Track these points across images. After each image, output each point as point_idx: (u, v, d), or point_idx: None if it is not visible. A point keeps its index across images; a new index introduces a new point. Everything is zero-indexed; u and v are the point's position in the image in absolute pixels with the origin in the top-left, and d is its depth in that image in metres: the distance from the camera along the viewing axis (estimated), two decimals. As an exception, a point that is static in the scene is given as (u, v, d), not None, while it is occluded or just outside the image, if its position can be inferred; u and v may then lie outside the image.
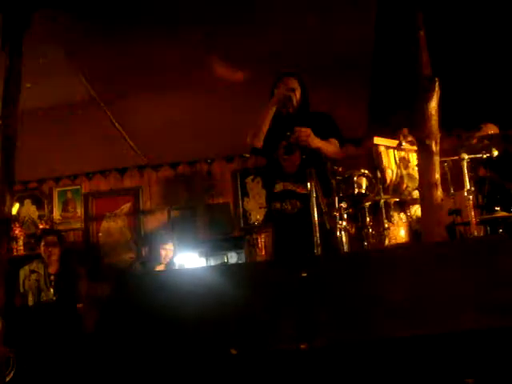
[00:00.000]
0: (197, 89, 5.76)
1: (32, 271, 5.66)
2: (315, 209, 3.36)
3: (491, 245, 2.56)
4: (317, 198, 3.41)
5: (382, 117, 6.19)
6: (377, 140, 5.89)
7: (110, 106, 6.02)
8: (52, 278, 5.66)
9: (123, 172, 7.73)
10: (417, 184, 5.17)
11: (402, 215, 4.78)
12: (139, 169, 7.72)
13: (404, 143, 5.55)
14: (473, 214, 4.52)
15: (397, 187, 5.41)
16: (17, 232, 7.17)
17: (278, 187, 4.00)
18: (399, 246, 4.55)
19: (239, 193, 7.45)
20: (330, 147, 3.89)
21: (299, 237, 3.73)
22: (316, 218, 3.34)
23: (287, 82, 4.01)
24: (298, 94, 3.95)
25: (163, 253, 5.94)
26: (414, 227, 4.78)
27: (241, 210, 7.41)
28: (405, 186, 5.35)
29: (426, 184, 3.71)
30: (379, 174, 4.99)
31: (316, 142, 3.75)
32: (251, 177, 7.41)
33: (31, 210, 7.71)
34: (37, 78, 4.89)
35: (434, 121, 3.72)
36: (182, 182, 7.61)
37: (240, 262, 6.67)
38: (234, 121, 6.03)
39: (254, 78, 5.41)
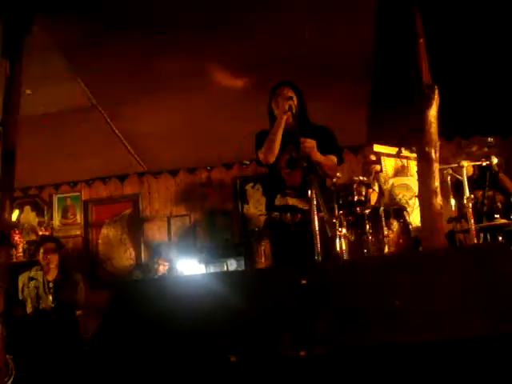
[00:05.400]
0: (197, 96, 5.77)
1: (31, 278, 5.65)
2: (316, 216, 3.37)
3: (491, 252, 2.56)
4: (318, 205, 3.41)
5: (382, 125, 6.21)
6: (376, 147, 5.91)
7: (110, 113, 6.03)
8: (51, 285, 5.64)
9: (123, 179, 7.74)
10: (412, 193, 5.19)
11: (402, 222, 4.78)
12: (139, 176, 7.72)
13: (403, 151, 5.58)
14: (472, 221, 4.53)
15: (392, 196, 5.43)
16: (16, 239, 7.16)
17: (279, 201, 4.01)
18: (399, 254, 4.54)
19: (239, 200, 7.45)
20: (328, 163, 3.90)
21: (298, 244, 3.74)
22: (317, 226, 3.35)
23: (283, 91, 4.00)
24: (295, 101, 3.94)
25: (157, 267, 5.96)
26: (413, 234, 4.79)
27: (241, 217, 7.40)
28: (401, 195, 5.37)
29: (425, 191, 3.71)
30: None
31: (318, 156, 3.76)
32: (251, 184, 7.41)
33: (31, 217, 7.71)
34: (37, 85, 4.90)
35: (434, 128, 3.73)
36: (182, 189, 7.62)
37: (240, 269, 6.66)
38: (233, 128, 6.07)
39: (253, 84, 5.42)
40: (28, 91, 4.22)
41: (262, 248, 6.16)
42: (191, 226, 7.45)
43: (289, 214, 3.93)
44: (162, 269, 5.98)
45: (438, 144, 3.75)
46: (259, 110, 4.21)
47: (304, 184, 3.80)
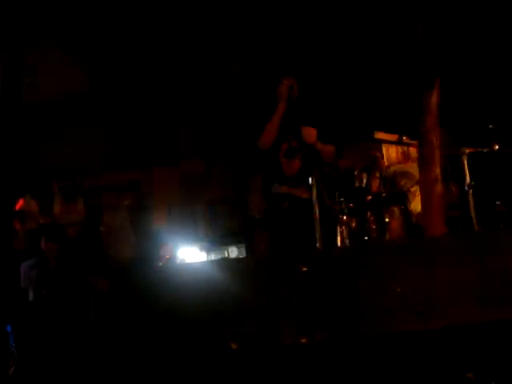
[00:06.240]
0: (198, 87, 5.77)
1: (33, 266, 5.65)
2: (316, 203, 3.38)
3: (492, 239, 2.56)
4: (318, 192, 3.42)
5: (383, 112, 6.19)
6: (378, 134, 5.91)
7: (112, 101, 6.01)
8: (53, 272, 5.65)
9: (125, 167, 7.72)
10: (414, 180, 5.17)
11: (403, 209, 4.78)
12: (141, 164, 7.70)
13: (405, 138, 5.57)
14: (473, 207, 4.52)
15: (394, 183, 5.42)
16: (17, 226, 7.15)
17: (277, 190, 4.03)
18: (400, 241, 4.55)
19: (240, 188, 7.44)
20: (327, 151, 3.94)
21: (298, 232, 3.75)
22: (317, 213, 3.36)
23: (285, 80, 4.03)
24: (296, 90, 3.97)
25: (159, 254, 5.96)
26: (414, 221, 4.79)
27: (242, 205, 7.40)
28: (403, 182, 5.36)
29: (426, 178, 3.70)
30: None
31: (318, 145, 3.81)
32: (252, 172, 7.40)
33: (32, 204, 7.70)
34: (37, 73, 4.89)
35: (435, 115, 3.71)
36: (184, 177, 7.62)
37: (241, 256, 6.67)
38: (234, 117, 6.06)
39: (255, 73, 5.41)
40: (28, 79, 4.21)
41: (263, 236, 6.17)
42: (192, 213, 7.46)
43: (287, 203, 3.96)
44: (164, 257, 5.98)
45: (439, 131, 3.74)
46: (260, 99, 4.22)
47: (301, 173, 3.83)
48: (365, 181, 4.88)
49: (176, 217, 7.46)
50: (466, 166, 4.67)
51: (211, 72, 5.52)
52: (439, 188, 3.63)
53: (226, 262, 4.17)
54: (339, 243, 4.46)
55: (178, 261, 6.12)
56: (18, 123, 4.10)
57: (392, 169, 5.63)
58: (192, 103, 6.15)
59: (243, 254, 6.69)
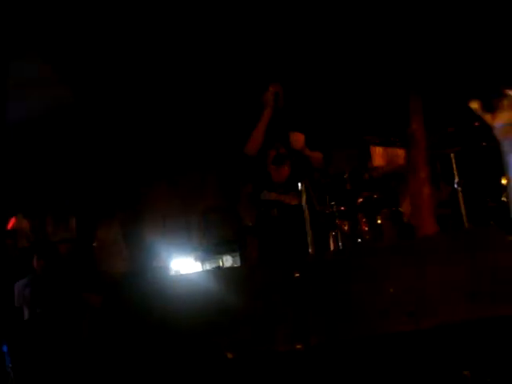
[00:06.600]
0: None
1: (26, 284, 5.63)
2: (307, 209, 3.39)
3: (482, 236, 2.57)
4: (308, 197, 3.44)
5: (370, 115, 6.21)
6: (366, 137, 5.91)
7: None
8: (46, 290, 5.63)
9: (118, 181, 7.69)
10: (404, 181, 5.19)
11: (394, 211, 4.78)
12: (134, 177, 7.68)
13: (393, 139, 5.57)
14: (463, 205, 4.54)
15: (384, 185, 5.42)
16: (9, 245, 7.11)
17: (266, 197, 4.05)
18: (392, 243, 4.55)
19: (233, 196, 7.43)
20: (315, 157, 3.97)
21: (289, 239, 3.77)
22: (308, 218, 3.37)
23: (271, 87, 4.06)
24: (281, 97, 4.00)
25: (153, 267, 5.95)
26: (406, 222, 4.79)
27: (235, 213, 7.39)
28: (393, 183, 5.37)
29: (415, 178, 3.72)
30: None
31: (306, 151, 3.84)
32: (243, 180, 7.40)
33: (24, 223, 7.66)
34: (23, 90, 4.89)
35: (421, 117, 3.74)
36: (177, 188, 7.60)
37: (235, 265, 6.67)
38: (222, 125, 6.08)
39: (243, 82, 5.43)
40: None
41: (256, 243, 6.17)
42: (186, 224, 7.44)
43: (276, 210, 3.98)
44: (158, 268, 5.97)
45: (426, 131, 3.77)
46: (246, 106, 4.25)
47: (290, 179, 3.86)
48: (355, 183, 4.88)
49: (170, 228, 7.44)
50: (454, 164, 4.69)
51: (203, 82, 5.54)
52: (428, 188, 3.65)
53: (219, 271, 4.17)
54: (332, 247, 4.47)
55: (172, 272, 6.10)
56: (5, 141, 4.09)
57: (381, 170, 5.63)
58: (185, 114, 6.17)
59: (238, 263, 6.69)
